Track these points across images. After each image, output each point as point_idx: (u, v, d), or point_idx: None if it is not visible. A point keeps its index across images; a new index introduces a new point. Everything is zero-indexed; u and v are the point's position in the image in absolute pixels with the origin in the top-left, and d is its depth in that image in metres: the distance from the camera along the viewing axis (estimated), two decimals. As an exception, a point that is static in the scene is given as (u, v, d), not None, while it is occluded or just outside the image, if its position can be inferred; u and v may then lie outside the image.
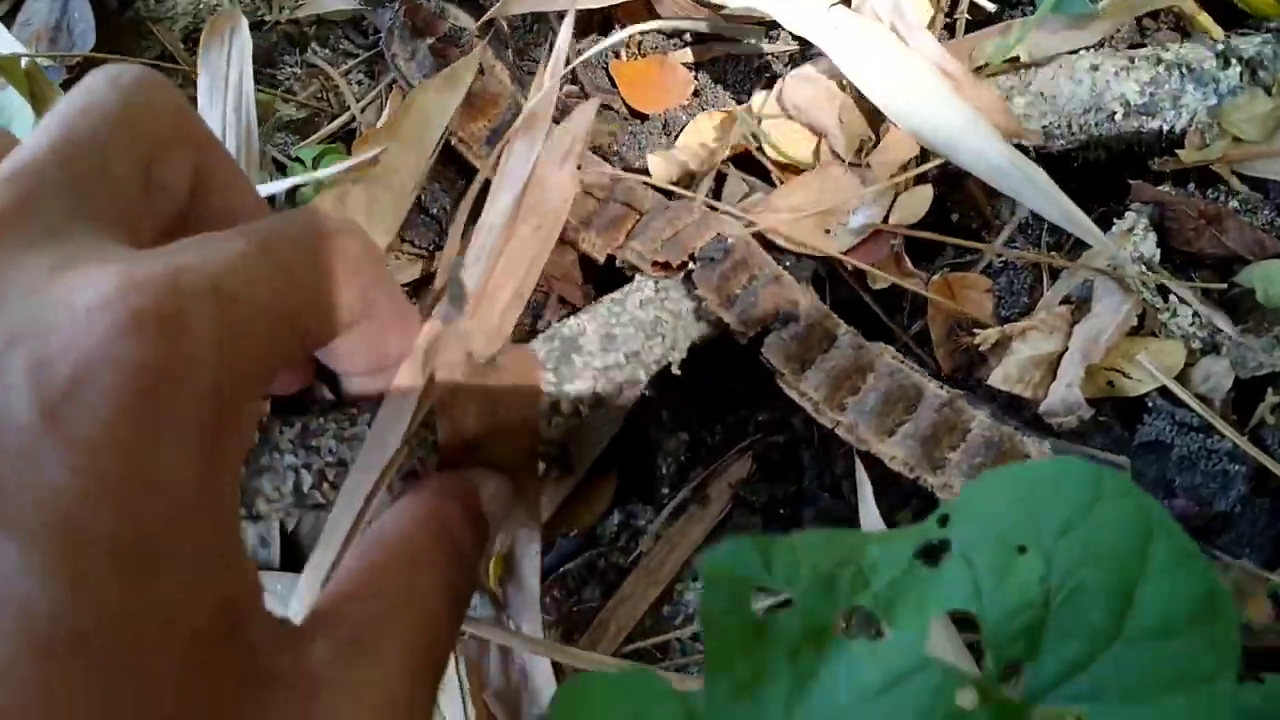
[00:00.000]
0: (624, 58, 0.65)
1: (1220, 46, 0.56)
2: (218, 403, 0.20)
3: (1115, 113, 0.55)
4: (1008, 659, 0.23)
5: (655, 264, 0.50)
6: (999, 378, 0.50)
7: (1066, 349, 0.50)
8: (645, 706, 0.24)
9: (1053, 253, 0.54)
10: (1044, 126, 0.55)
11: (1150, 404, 0.49)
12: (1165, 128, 0.55)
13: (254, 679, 0.20)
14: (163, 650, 0.18)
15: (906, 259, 0.54)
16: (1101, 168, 0.57)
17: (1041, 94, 0.55)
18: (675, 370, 0.49)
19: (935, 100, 0.53)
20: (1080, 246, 0.54)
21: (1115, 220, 0.53)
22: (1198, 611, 0.23)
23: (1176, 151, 0.55)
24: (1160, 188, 0.53)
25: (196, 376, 0.19)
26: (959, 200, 0.58)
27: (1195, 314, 0.51)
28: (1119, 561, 0.23)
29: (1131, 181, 0.53)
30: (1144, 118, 0.55)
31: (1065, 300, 0.52)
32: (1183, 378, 0.49)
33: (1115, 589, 0.23)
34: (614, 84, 0.64)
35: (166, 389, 0.19)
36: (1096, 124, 0.55)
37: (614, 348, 0.46)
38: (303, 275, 0.24)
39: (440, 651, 0.27)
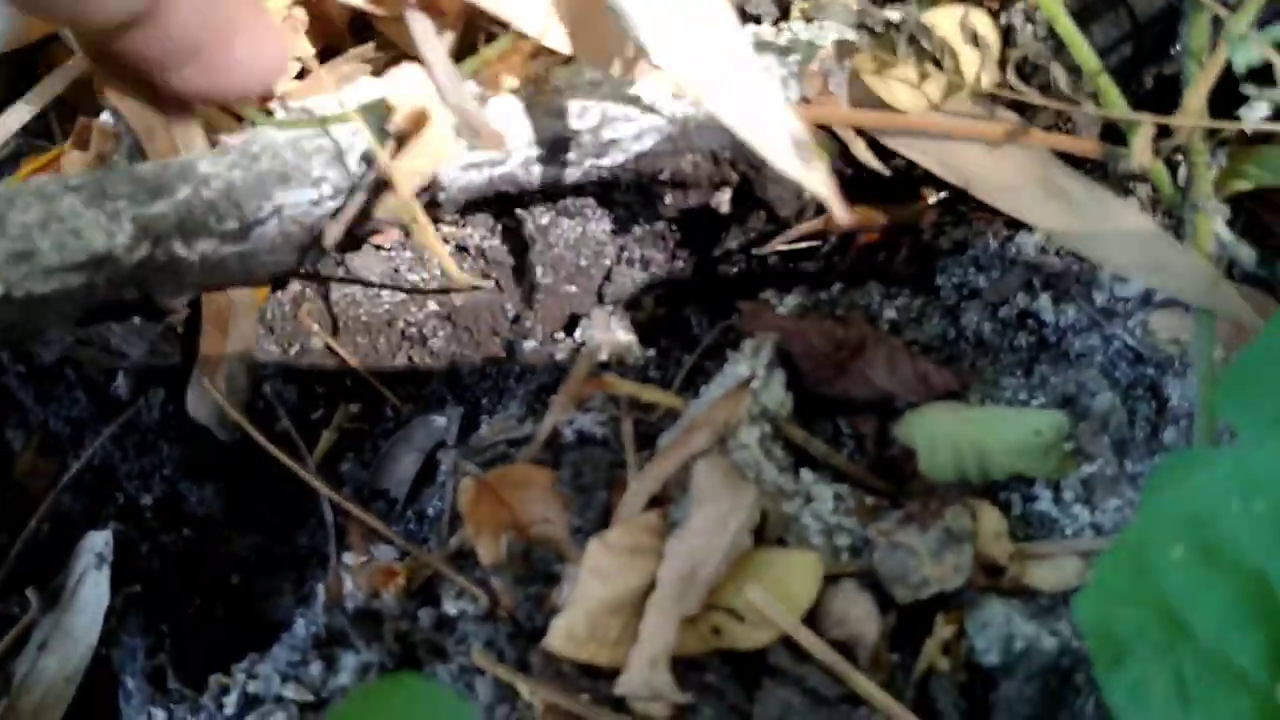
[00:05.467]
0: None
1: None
2: None
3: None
4: None
5: None
6: (560, 636, 0.33)
7: (655, 583, 0.33)
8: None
9: (636, 412, 0.37)
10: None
11: (771, 661, 0.33)
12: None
13: None
14: None
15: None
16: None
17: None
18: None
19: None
20: (690, 386, 0.38)
21: (730, 355, 0.37)
22: None
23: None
24: (781, 310, 0.37)
25: None
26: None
27: (838, 496, 0.35)
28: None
29: (740, 305, 0.37)
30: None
31: (655, 501, 0.35)
32: (818, 614, 0.33)
33: None
34: None
35: None
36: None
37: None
38: None
39: None
